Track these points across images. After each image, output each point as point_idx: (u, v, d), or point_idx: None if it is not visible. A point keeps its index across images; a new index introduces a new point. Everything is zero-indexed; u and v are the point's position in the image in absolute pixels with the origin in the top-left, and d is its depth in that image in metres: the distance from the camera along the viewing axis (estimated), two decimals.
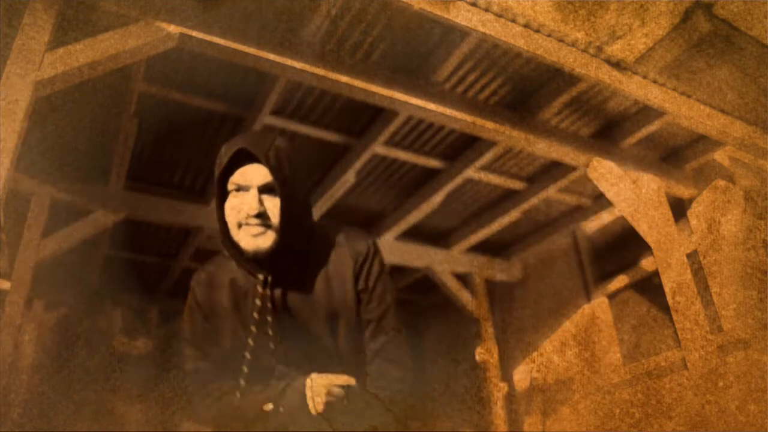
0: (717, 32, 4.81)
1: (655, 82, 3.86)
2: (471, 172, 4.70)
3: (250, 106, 3.90)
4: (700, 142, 4.56)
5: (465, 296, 6.02)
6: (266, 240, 1.25)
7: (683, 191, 4.66)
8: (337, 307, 1.32)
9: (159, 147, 4.23)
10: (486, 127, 3.80)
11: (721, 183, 4.52)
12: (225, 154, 1.27)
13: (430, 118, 3.81)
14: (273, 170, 1.24)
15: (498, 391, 5.78)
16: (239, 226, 1.26)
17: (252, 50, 3.03)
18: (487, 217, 5.52)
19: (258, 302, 1.30)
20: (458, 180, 4.76)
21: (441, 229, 5.85)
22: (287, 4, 3.10)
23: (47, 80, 2.57)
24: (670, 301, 3.88)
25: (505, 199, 5.32)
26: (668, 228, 4.05)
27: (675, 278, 3.86)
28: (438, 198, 4.97)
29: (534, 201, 5.14)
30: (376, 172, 4.79)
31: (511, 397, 5.95)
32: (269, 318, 1.29)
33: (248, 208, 1.24)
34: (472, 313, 6.02)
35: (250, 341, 1.29)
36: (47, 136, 3.77)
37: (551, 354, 5.70)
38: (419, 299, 7.20)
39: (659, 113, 4.05)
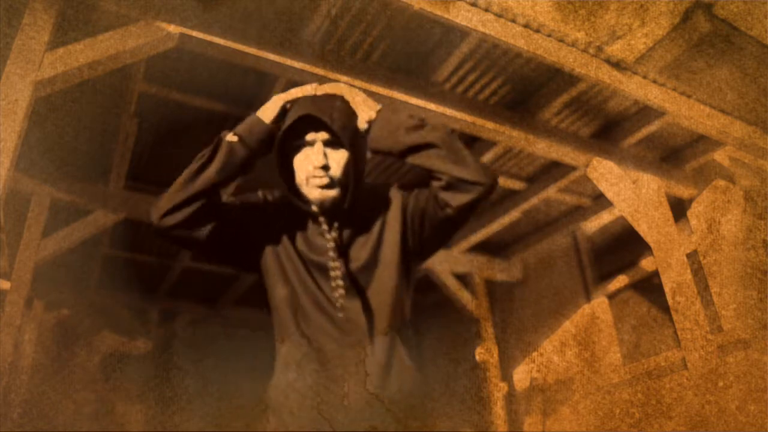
0: (717, 32, 4.81)
1: (655, 82, 3.86)
2: None
3: (251, 106, 3.89)
4: (700, 142, 4.56)
5: (465, 296, 6.02)
6: (332, 191, 1.36)
7: (683, 191, 4.66)
8: (389, 260, 1.40)
9: (159, 147, 4.22)
10: (486, 127, 3.80)
11: (721, 183, 4.52)
12: (290, 117, 1.36)
13: (430, 118, 3.80)
14: (339, 129, 1.34)
15: (498, 391, 5.78)
16: (307, 179, 1.36)
17: (252, 50, 3.02)
18: (487, 217, 5.52)
19: (328, 237, 1.38)
20: None
21: None
22: (287, 4, 3.10)
23: (47, 80, 2.57)
24: (670, 301, 3.88)
25: (505, 199, 5.32)
26: (668, 228, 4.05)
27: (675, 278, 3.86)
28: None
29: (534, 201, 5.14)
30: (376, 172, 4.79)
31: (511, 397, 5.94)
32: (334, 261, 1.37)
33: (314, 160, 1.34)
34: (472, 313, 6.02)
35: (326, 277, 1.37)
36: (47, 136, 3.77)
37: (551, 354, 5.70)
38: (419, 299, 7.19)
39: (659, 113, 4.05)
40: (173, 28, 2.83)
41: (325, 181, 1.35)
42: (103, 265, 5.78)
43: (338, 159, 1.37)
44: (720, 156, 4.60)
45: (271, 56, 3.08)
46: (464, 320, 6.18)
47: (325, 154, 1.35)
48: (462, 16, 3.11)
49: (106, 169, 4.24)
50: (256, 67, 3.17)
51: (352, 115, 1.40)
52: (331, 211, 1.39)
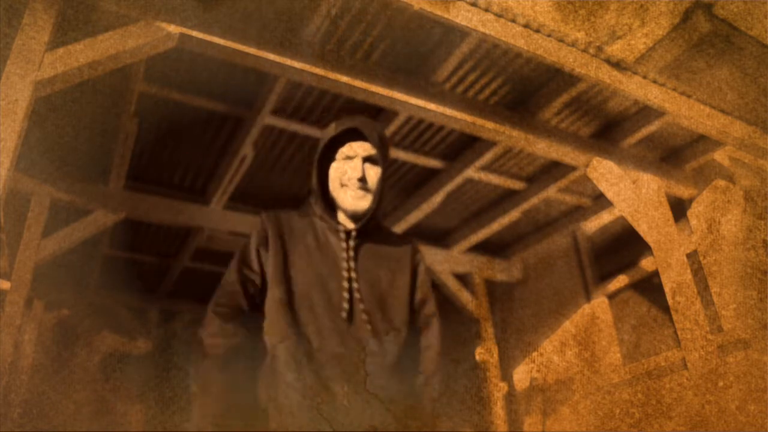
0: (717, 32, 4.81)
1: (655, 82, 3.86)
2: (471, 172, 4.70)
3: (250, 106, 3.89)
4: (700, 142, 4.56)
5: (465, 296, 6.02)
6: (365, 201, 1.51)
7: (683, 191, 4.66)
8: (393, 283, 1.55)
9: (159, 147, 4.22)
10: (486, 127, 3.80)
11: (721, 183, 4.51)
12: (336, 128, 1.53)
13: (430, 118, 3.81)
14: (377, 147, 1.51)
15: (498, 391, 5.78)
16: (342, 185, 1.52)
17: (252, 50, 3.02)
18: (487, 217, 5.52)
19: (343, 246, 1.51)
20: (458, 180, 4.75)
21: (441, 229, 5.85)
22: (287, 4, 3.10)
23: (47, 80, 2.57)
24: (670, 301, 3.88)
25: (505, 199, 5.31)
26: (668, 228, 4.05)
27: (675, 278, 3.86)
28: (438, 198, 4.96)
29: (534, 201, 5.14)
30: None
31: (511, 397, 5.94)
32: (351, 264, 1.50)
33: (354, 172, 1.50)
34: (472, 313, 6.02)
35: (336, 282, 1.47)
36: (47, 136, 3.77)
37: (551, 354, 5.70)
38: None
39: (659, 113, 4.04)
40: (173, 28, 2.83)
41: (361, 192, 1.50)
42: (103, 265, 5.78)
43: (374, 174, 1.53)
44: (720, 156, 4.60)
45: (271, 56, 3.08)
46: (464, 320, 6.17)
47: (363, 168, 1.51)
48: (462, 16, 3.11)
49: (106, 169, 4.24)
50: (256, 67, 3.17)
51: (387, 139, 1.57)
52: (359, 220, 1.53)
